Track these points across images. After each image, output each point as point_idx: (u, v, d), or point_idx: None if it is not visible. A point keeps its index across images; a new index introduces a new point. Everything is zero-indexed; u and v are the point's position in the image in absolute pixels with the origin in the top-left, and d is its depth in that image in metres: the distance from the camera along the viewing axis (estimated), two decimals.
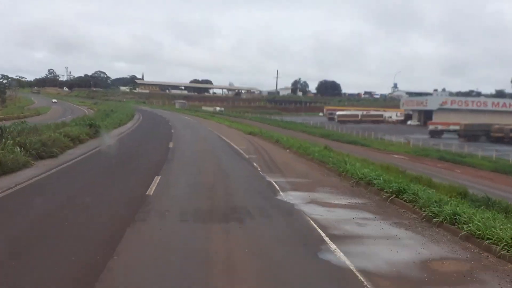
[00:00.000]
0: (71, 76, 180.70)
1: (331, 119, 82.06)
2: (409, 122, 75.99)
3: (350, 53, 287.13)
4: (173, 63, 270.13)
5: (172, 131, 34.93)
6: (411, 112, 79.94)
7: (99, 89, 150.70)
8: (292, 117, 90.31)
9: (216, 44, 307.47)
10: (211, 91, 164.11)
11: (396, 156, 32.08)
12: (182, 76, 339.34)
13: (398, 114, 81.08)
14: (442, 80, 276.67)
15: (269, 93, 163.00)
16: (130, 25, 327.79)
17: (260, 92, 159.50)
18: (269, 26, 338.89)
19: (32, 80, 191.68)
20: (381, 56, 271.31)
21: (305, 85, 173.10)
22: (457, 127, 54.09)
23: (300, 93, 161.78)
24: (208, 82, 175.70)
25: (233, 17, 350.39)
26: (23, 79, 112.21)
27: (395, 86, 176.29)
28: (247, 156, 20.89)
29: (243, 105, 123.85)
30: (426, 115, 72.97)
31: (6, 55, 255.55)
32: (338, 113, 77.10)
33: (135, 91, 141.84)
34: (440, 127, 57.12)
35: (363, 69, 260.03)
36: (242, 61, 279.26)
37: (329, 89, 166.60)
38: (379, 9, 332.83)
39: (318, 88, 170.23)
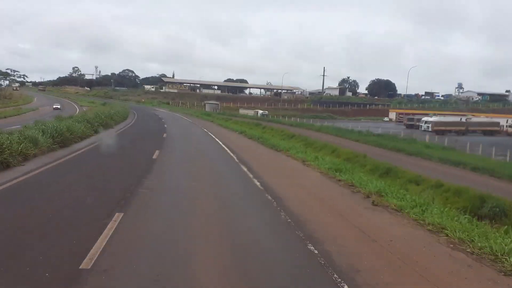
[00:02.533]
0: (98, 75, 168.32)
1: (410, 126, 60.80)
2: None
3: (389, 52, 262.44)
4: (205, 64, 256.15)
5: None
6: None
7: (122, 88, 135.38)
8: (350, 122, 69.93)
9: (248, 44, 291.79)
10: (246, 91, 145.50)
11: None
12: (213, 77, 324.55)
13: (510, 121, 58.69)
14: (481, 82, 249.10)
15: (311, 93, 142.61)
16: (163, 26, 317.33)
17: (302, 92, 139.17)
18: (302, 26, 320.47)
19: (56, 78, 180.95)
20: (420, 56, 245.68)
21: (355, 84, 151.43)
22: None
23: (349, 94, 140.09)
24: (243, 81, 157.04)
25: (266, 17, 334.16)
26: (20, 77, 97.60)
27: (459, 86, 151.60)
28: None
29: (285, 106, 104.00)
30: None
31: (39, 54, 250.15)
32: (433, 119, 55.51)
33: (161, 90, 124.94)
34: None
35: (402, 70, 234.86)
36: (275, 61, 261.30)
37: (382, 89, 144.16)
38: (419, 8, 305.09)
39: (369, 88, 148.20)
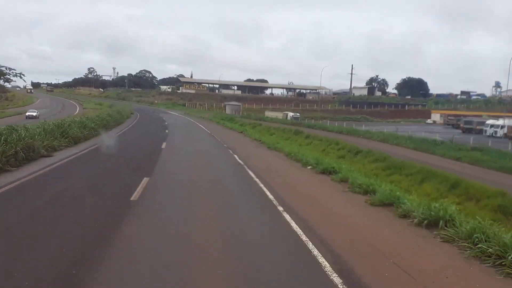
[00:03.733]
0: (116, 77, 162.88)
1: (468, 130, 51.39)
2: None
3: (412, 51, 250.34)
4: (223, 64, 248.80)
5: None
6: None
7: (137, 89, 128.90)
8: (391, 125, 60.91)
9: (267, 44, 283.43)
10: (267, 91, 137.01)
11: None
12: (231, 78, 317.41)
13: None
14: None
15: (335, 93, 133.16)
16: (180, 27, 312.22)
17: (328, 92, 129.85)
18: (321, 25, 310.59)
19: (71, 80, 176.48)
20: (443, 54, 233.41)
21: (384, 84, 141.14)
22: None
23: (378, 93, 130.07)
24: (263, 82, 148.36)
25: (285, 16, 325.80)
26: (17, 76, 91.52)
27: (497, 85, 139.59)
28: None
29: (312, 108, 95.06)
30: None
31: (58, 56, 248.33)
32: (507, 123, 45.96)
33: (178, 91, 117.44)
34: None
35: (427, 69, 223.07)
36: (294, 61, 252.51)
37: (414, 88, 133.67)
38: (441, 5, 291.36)
39: (399, 88, 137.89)
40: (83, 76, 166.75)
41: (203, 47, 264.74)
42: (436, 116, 75.16)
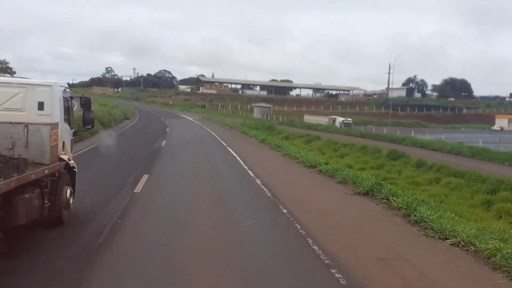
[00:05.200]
0: (135, 77, 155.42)
1: None
2: None
3: (441, 52, 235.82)
4: (244, 66, 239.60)
5: None
6: None
7: (153, 89, 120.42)
8: (454, 133, 50.21)
9: (290, 45, 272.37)
10: (292, 92, 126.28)
11: None
12: (253, 80, 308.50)
13: None
14: None
15: (365, 95, 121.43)
16: (202, 29, 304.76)
17: (363, 93, 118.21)
18: (344, 26, 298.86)
19: (88, 79, 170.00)
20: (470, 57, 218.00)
21: (423, 84, 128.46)
22: None
23: (418, 95, 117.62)
24: (288, 82, 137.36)
25: (307, 19, 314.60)
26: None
27: None
28: None
29: (345, 110, 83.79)
30: None
31: (80, 57, 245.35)
32: None
33: (198, 91, 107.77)
34: None
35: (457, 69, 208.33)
36: (317, 63, 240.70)
37: (457, 90, 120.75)
38: (470, 6, 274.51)
39: (439, 89, 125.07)
40: (100, 76, 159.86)
41: (224, 49, 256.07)
42: (502, 122, 63.05)
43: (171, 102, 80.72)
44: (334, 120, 46.05)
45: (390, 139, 32.82)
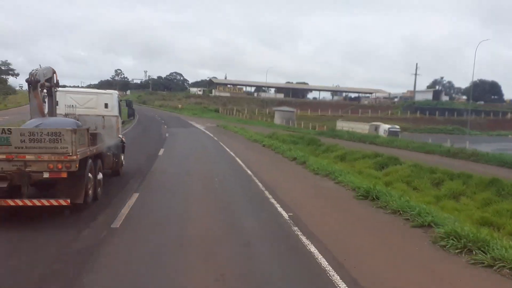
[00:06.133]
0: (146, 79, 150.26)
1: None
2: None
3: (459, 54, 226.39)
4: (257, 69, 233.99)
5: None
6: None
7: (163, 91, 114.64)
8: (499, 141, 43.11)
9: (303, 48, 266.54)
10: (309, 95, 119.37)
11: None
12: (269, 82, 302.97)
13: None
14: None
15: (385, 98, 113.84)
16: (214, 32, 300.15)
17: (387, 96, 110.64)
18: (359, 29, 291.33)
19: (97, 82, 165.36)
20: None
21: (450, 86, 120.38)
22: None
23: (445, 98, 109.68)
24: (304, 84, 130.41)
25: (321, 21, 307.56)
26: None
27: None
28: None
29: (366, 114, 76.52)
30: None
31: (92, 60, 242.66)
32: None
33: (210, 94, 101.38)
34: None
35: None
36: (332, 66, 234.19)
37: (487, 92, 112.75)
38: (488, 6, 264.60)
39: (467, 91, 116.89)
40: (109, 78, 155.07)
41: (236, 52, 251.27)
42: None
43: (180, 106, 74.06)
44: (376, 128, 37.96)
45: (500, 162, 21.82)
